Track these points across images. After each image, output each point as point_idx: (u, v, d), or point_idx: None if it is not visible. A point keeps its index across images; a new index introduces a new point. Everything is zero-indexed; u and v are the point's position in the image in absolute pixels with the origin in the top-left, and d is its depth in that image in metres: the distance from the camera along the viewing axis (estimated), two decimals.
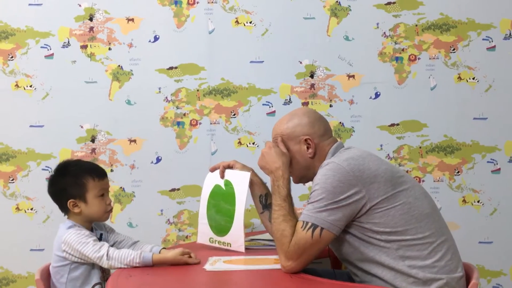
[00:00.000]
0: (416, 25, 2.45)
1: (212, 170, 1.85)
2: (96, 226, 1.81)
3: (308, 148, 1.63)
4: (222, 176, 1.83)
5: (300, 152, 1.64)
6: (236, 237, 1.77)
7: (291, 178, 1.68)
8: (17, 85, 2.40)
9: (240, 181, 1.79)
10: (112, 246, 1.73)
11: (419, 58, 2.45)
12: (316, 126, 1.65)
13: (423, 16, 2.45)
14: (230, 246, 1.77)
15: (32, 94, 2.40)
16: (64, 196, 1.72)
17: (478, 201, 2.44)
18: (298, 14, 2.43)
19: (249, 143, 2.44)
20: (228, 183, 1.81)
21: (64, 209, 1.75)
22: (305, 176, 1.68)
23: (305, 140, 1.63)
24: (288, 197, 1.59)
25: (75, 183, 1.72)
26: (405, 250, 1.46)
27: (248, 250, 1.83)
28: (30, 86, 2.40)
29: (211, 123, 2.44)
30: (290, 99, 2.44)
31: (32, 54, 2.39)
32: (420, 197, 1.53)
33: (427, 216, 1.51)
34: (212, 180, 1.89)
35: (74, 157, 2.37)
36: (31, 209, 2.39)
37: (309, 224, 1.46)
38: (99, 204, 1.74)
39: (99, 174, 1.76)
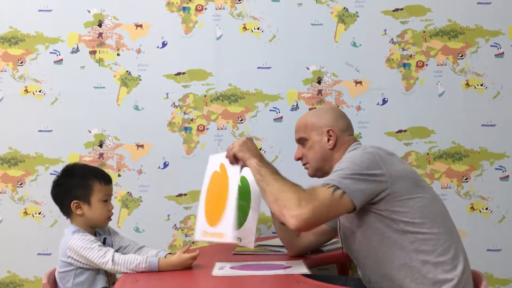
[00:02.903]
0: (424, 32, 2.45)
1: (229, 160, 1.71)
2: (100, 231, 1.81)
3: (329, 139, 1.65)
4: (232, 162, 1.67)
5: (320, 143, 1.66)
6: (248, 232, 1.68)
7: (307, 171, 1.69)
8: (26, 90, 2.42)
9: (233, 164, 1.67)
10: (117, 251, 1.73)
11: (427, 65, 2.45)
12: (340, 121, 1.68)
13: (431, 22, 2.44)
14: (223, 237, 1.63)
15: (41, 99, 2.42)
16: (68, 196, 1.73)
17: (487, 208, 2.43)
18: (306, 20, 2.44)
19: None
20: (222, 167, 1.71)
21: (66, 210, 1.75)
22: (321, 168, 1.68)
23: (328, 131, 1.65)
24: (279, 173, 1.52)
25: (81, 184, 1.73)
26: (420, 243, 1.45)
27: (255, 255, 1.83)
28: (39, 91, 2.42)
29: (218, 129, 2.44)
30: (297, 105, 2.44)
31: (42, 60, 2.42)
32: (436, 197, 1.55)
33: (442, 214, 1.52)
34: (211, 167, 1.76)
35: (82, 161, 2.38)
36: (39, 213, 2.40)
37: (331, 185, 1.41)
38: (102, 209, 1.74)
39: (106, 179, 1.77)
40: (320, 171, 1.70)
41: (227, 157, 1.67)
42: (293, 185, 1.45)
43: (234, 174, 1.64)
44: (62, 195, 1.75)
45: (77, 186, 1.72)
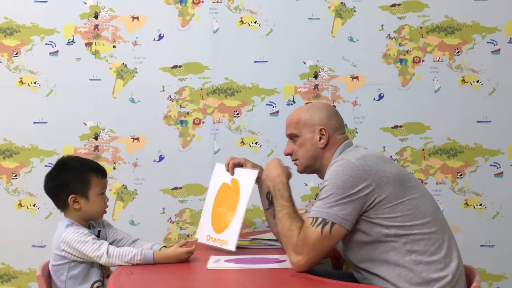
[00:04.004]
0: (421, 27, 2.45)
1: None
2: (94, 223, 1.81)
3: (320, 138, 1.65)
4: (232, 173, 1.83)
5: (311, 141, 1.66)
6: (231, 235, 1.76)
7: (296, 167, 1.72)
8: (21, 82, 2.41)
9: (246, 179, 1.79)
10: (111, 244, 1.73)
11: (423, 60, 2.45)
12: (333, 119, 1.68)
13: (428, 18, 2.44)
14: (226, 245, 1.75)
15: (36, 91, 2.40)
16: (65, 191, 1.72)
17: (480, 205, 2.44)
18: (303, 14, 2.43)
19: (252, 143, 2.44)
20: (235, 182, 1.82)
21: (62, 204, 1.74)
22: (311, 166, 1.69)
23: (320, 130, 1.65)
24: (291, 199, 1.61)
25: (79, 179, 1.72)
26: (412, 244, 1.47)
27: (250, 249, 1.83)
28: (35, 82, 2.41)
29: (214, 122, 2.44)
30: (293, 99, 2.44)
31: (37, 51, 2.40)
32: (425, 194, 1.56)
33: (432, 213, 1.53)
34: (220, 175, 1.88)
35: (77, 154, 2.38)
36: (34, 205, 2.40)
37: (319, 220, 1.46)
38: (99, 202, 1.74)
39: (102, 172, 1.77)
40: (309, 169, 1.71)
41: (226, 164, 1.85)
42: (292, 227, 1.51)
43: (246, 191, 1.78)
44: (57, 189, 1.74)
45: (74, 181, 1.71)
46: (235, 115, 2.44)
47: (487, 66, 2.44)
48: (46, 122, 2.40)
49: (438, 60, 2.45)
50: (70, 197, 1.71)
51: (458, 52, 2.45)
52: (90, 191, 1.72)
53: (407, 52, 2.45)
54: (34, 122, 2.40)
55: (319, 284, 1.44)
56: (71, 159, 1.81)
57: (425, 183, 2.43)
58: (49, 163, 2.38)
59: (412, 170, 2.44)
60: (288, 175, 1.68)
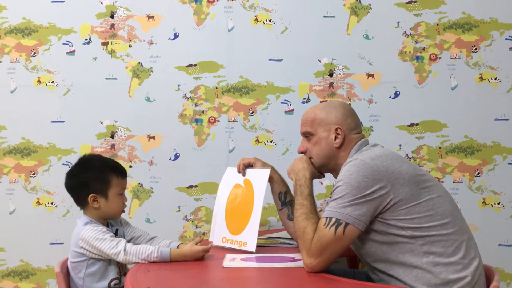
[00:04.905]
0: (438, 24, 2.42)
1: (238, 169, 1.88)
2: (112, 222, 1.83)
3: (336, 138, 1.64)
4: (243, 174, 1.84)
5: (326, 140, 1.65)
6: (250, 235, 1.76)
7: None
8: (39, 81, 2.44)
9: (259, 179, 1.80)
10: (129, 241, 1.75)
11: (440, 58, 2.42)
12: (349, 119, 1.66)
13: (444, 15, 2.42)
14: (246, 246, 1.75)
15: (54, 90, 2.43)
16: (85, 190, 1.73)
17: (499, 203, 2.41)
18: (318, 12, 2.43)
19: (267, 141, 2.44)
20: (247, 182, 1.82)
21: (82, 203, 1.76)
22: (325, 165, 1.68)
23: (336, 129, 1.64)
24: (310, 196, 1.59)
25: (99, 178, 1.73)
26: (430, 245, 1.45)
27: (266, 248, 1.83)
28: (52, 82, 2.44)
29: (229, 121, 2.44)
30: (308, 97, 2.44)
31: (54, 51, 2.43)
32: (443, 195, 1.53)
33: (450, 213, 1.51)
34: (230, 178, 1.89)
35: (94, 152, 2.40)
36: (51, 203, 2.43)
37: (333, 221, 1.45)
38: (118, 202, 1.76)
39: (122, 173, 1.79)
40: (323, 168, 1.70)
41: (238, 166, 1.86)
42: (307, 229, 1.50)
43: (260, 190, 1.77)
44: (78, 188, 1.76)
45: (95, 180, 1.73)
46: (250, 114, 2.44)
47: (505, 63, 2.40)
48: (64, 121, 2.43)
49: (455, 57, 2.42)
50: (90, 196, 1.73)
51: (476, 49, 2.42)
52: (109, 191, 1.74)
53: (423, 49, 2.42)
54: (52, 121, 2.43)
55: (335, 283, 1.43)
56: (93, 158, 1.83)
57: (442, 182, 2.41)
58: (66, 161, 2.41)
59: (429, 169, 2.41)
60: (313, 172, 1.66)
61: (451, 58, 2.42)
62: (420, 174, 1.52)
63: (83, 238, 1.68)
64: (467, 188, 2.42)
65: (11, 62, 2.43)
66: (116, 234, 1.77)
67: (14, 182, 2.43)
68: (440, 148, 2.42)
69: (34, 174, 2.43)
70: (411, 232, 1.46)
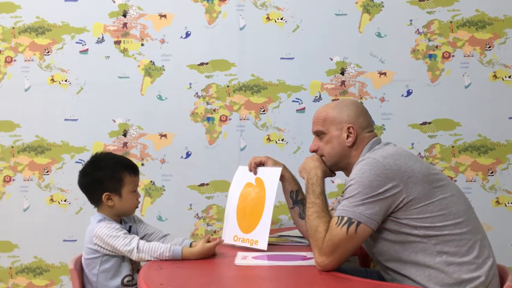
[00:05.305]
0: (451, 22, 2.40)
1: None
2: (125, 219, 1.84)
3: (348, 136, 1.63)
4: (255, 173, 1.84)
5: (338, 139, 1.64)
6: (261, 234, 1.76)
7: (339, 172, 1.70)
8: (52, 80, 2.46)
9: (271, 177, 1.80)
10: (142, 238, 1.76)
11: (453, 56, 2.40)
12: (362, 118, 1.66)
13: (458, 12, 2.40)
14: (257, 244, 1.76)
15: (67, 89, 2.45)
16: (99, 188, 1.75)
17: None
18: (330, 10, 2.42)
19: (278, 140, 2.44)
20: (259, 181, 1.82)
21: (96, 201, 1.78)
22: (336, 164, 1.68)
23: (348, 128, 1.63)
24: (322, 195, 1.59)
25: (112, 177, 1.74)
26: (443, 245, 1.44)
27: (277, 246, 1.83)
28: (65, 80, 2.46)
29: (240, 119, 2.45)
30: (320, 96, 2.43)
31: (68, 49, 2.45)
32: (456, 194, 1.52)
33: (464, 213, 1.50)
34: (241, 177, 1.89)
35: (106, 150, 2.42)
36: (65, 200, 2.45)
37: (344, 220, 1.45)
38: (132, 200, 1.77)
39: (135, 170, 1.80)
40: (335, 167, 1.69)
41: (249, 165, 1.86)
42: (319, 228, 1.50)
43: (272, 188, 1.78)
44: (91, 187, 1.77)
45: (108, 179, 1.74)
46: (261, 112, 2.44)
47: None
48: (77, 119, 2.45)
49: (469, 55, 2.40)
50: (104, 195, 1.74)
51: (490, 47, 2.39)
52: (123, 189, 1.75)
53: (436, 47, 2.40)
54: (65, 119, 2.45)
55: (347, 282, 1.43)
56: (105, 157, 1.84)
57: (455, 181, 2.39)
58: (79, 159, 2.44)
59: (442, 168, 2.40)
60: (325, 171, 1.66)
61: (464, 56, 2.40)
62: (433, 173, 1.51)
63: (97, 235, 1.70)
64: (480, 187, 2.40)
65: (25, 61, 2.46)
66: (129, 231, 1.79)
67: (28, 180, 2.46)
68: (453, 147, 2.40)
69: (47, 171, 2.46)
70: (424, 232, 1.45)
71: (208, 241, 1.68)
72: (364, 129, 1.65)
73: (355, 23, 2.42)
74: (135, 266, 1.78)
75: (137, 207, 1.80)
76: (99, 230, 1.70)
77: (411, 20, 2.41)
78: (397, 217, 1.46)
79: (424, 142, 2.40)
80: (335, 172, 1.73)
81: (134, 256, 1.66)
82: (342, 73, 2.43)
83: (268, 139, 2.44)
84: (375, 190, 1.44)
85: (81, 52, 2.46)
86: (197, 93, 2.45)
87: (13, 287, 2.45)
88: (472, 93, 2.39)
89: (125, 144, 2.45)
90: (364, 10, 2.42)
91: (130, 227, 1.82)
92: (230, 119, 2.45)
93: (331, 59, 2.43)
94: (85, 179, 1.78)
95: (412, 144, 2.41)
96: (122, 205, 1.76)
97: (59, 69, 2.46)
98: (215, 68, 2.44)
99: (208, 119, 2.45)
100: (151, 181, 2.45)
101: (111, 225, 1.71)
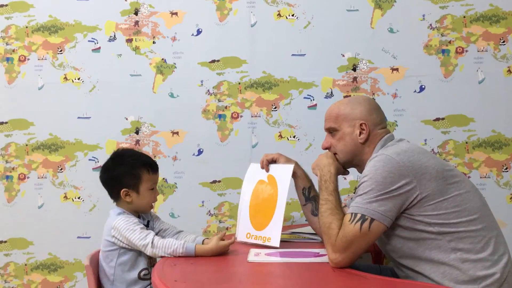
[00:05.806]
0: (464, 17, 2.37)
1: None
2: (143, 215, 1.86)
3: (361, 133, 1.63)
4: (267, 170, 1.84)
5: (351, 135, 1.63)
6: (274, 231, 1.76)
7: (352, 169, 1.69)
8: (65, 78, 2.48)
9: (283, 174, 1.80)
10: (157, 234, 1.77)
11: (466, 51, 2.38)
12: (374, 114, 1.65)
13: (471, 7, 2.37)
14: (270, 241, 1.75)
15: (80, 87, 2.47)
16: (118, 184, 1.77)
17: None
18: (341, 6, 2.40)
19: (290, 137, 2.44)
20: (271, 178, 1.82)
21: (115, 196, 1.80)
22: (349, 161, 1.67)
23: (361, 124, 1.62)
24: (335, 192, 1.59)
25: (131, 173, 1.76)
26: (458, 242, 1.43)
27: (290, 243, 1.83)
28: (78, 79, 2.48)
29: (252, 116, 2.45)
30: (331, 92, 2.42)
31: (80, 48, 2.47)
32: (470, 190, 1.51)
33: (478, 209, 1.48)
34: (254, 174, 1.89)
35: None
36: (78, 198, 2.47)
37: (358, 216, 1.44)
38: (149, 197, 1.79)
39: (154, 168, 1.81)
40: (348, 163, 1.69)
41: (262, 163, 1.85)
42: (333, 225, 1.49)
43: (284, 185, 1.77)
44: (111, 182, 1.80)
45: (126, 175, 1.77)
46: (273, 109, 2.44)
47: None
48: (90, 117, 2.47)
49: (482, 50, 2.37)
50: (122, 190, 1.76)
51: (504, 42, 2.36)
52: (141, 186, 1.77)
53: (449, 42, 2.38)
54: (78, 117, 2.47)
55: (361, 278, 1.42)
56: (126, 153, 1.86)
57: (469, 177, 2.37)
58: (93, 157, 2.46)
59: (455, 164, 2.38)
60: (338, 168, 1.66)
61: (478, 51, 2.37)
62: (447, 169, 1.50)
63: (115, 226, 1.72)
64: (495, 183, 2.37)
65: (39, 59, 2.48)
66: (147, 226, 1.81)
67: (42, 177, 2.48)
68: (466, 142, 2.38)
69: (61, 169, 2.48)
70: (438, 228, 1.44)
71: (222, 239, 1.69)
72: (377, 125, 1.64)
73: (367, 19, 2.40)
74: (152, 260, 1.80)
75: (152, 205, 1.82)
76: (117, 222, 1.72)
77: (423, 15, 2.39)
78: (411, 214, 1.45)
79: (437, 138, 2.38)
80: (348, 170, 1.72)
81: (148, 251, 1.68)
82: (354, 69, 2.41)
83: (280, 136, 2.44)
84: (388, 186, 1.43)
85: (93, 50, 2.47)
86: (208, 90, 2.45)
87: (28, 284, 2.48)
88: (486, 88, 2.37)
89: (137, 141, 2.47)
90: (376, 6, 2.40)
91: (148, 222, 1.84)
92: (241, 116, 2.45)
93: (343, 55, 2.41)
94: (105, 174, 1.81)
95: (425, 140, 2.39)
96: (139, 202, 1.78)
97: (72, 67, 2.48)
98: (227, 65, 2.44)
99: (220, 116, 2.45)
100: (164, 179, 2.46)
101: (130, 219, 1.74)
